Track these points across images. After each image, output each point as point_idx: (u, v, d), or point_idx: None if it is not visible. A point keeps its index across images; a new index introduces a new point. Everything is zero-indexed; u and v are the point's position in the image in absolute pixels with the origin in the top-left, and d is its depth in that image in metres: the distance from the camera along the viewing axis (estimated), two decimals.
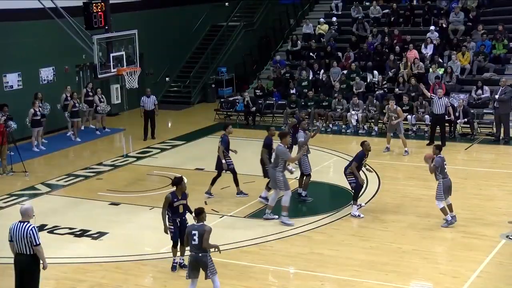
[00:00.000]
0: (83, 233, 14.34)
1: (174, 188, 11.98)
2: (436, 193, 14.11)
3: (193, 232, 10.41)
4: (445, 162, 14.20)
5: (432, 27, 26.02)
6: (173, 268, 12.21)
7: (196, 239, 10.37)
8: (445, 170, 14.16)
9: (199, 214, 10.52)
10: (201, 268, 10.51)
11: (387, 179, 17.45)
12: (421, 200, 15.87)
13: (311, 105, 23.66)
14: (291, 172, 15.78)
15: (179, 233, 11.87)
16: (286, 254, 12.99)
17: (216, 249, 10.53)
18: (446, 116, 20.72)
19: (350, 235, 13.80)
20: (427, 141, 20.79)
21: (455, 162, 19.32)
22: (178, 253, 12.23)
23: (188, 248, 10.70)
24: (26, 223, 10.14)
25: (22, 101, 21.63)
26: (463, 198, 15.96)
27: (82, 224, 14.79)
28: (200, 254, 10.42)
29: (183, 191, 11.99)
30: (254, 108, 24.55)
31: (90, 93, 23.52)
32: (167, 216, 11.93)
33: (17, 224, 10.17)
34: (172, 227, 11.92)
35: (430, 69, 24.05)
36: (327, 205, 16.18)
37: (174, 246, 12.11)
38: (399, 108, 20.46)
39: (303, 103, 23.87)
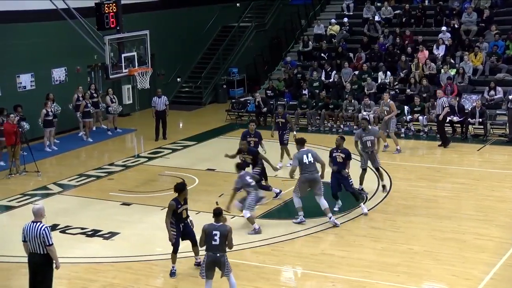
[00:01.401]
0: (94, 233, 14.39)
1: (176, 195, 11.82)
2: (247, 204, 13.87)
3: (214, 232, 10.41)
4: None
5: (444, 28, 25.93)
6: (172, 274, 12.09)
7: (218, 240, 10.39)
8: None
9: (219, 214, 10.56)
10: (217, 268, 10.55)
11: (398, 180, 17.40)
12: (432, 201, 15.82)
13: (320, 105, 23.63)
14: (275, 170, 16.23)
15: (182, 236, 11.90)
16: (297, 254, 12.99)
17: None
18: (446, 117, 20.61)
19: (361, 236, 13.77)
20: (439, 142, 20.72)
21: (468, 163, 19.29)
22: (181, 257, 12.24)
23: (202, 248, 10.66)
24: (39, 223, 10.22)
25: (35, 101, 21.74)
26: (475, 199, 15.92)
27: (94, 224, 14.85)
28: (218, 254, 10.47)
29: (185, 197, 11.91)
30: (265, 109, 24.54)
31: (95, 94, 23.59)
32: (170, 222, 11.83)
33: (30, 224, 10.26)
34: (174, 232, 11.84)
35: (442, 70, 23.96)
36: (338, 206, 16.14)
37: (174, 252, 12.02)
38: (392, 102, 20.47)
39: (314, 104, 23.86)
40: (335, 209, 15.05)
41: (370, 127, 16.29)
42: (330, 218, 14.21)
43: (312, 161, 14.12)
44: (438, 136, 20.95)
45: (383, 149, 19.64)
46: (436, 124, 21.16)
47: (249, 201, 14.02)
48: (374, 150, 16.16)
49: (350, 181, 15.02)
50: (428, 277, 11.91)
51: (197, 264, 12.24)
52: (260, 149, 16.71)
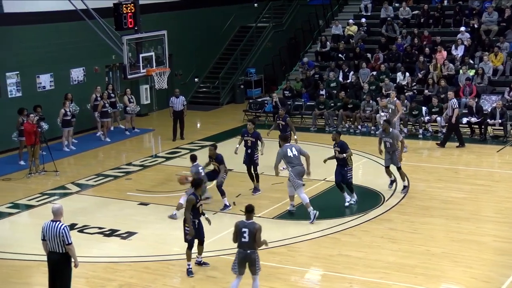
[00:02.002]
0: (112, 232, 14.45)
1: (193, 189, 12.00)
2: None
3: (243, 229, 10.53)
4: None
5: (463, 28, 25.73)
6: (189, 273, 12.13)
7: (247, 237, 10.49)
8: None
9: (251, 211, 10.68)
10: (247, 264, 10.62)
11: (417, 181, 17.30)
12: (450, 202, 15.72)
13: (339, 106, 23.58)
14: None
15: (198, 234, 11.98)
16: (314, 255, 12.96)
17: (265, 245, 10.72)
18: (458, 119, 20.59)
19: (378, 237, 13.71)
20: (457, 143, 20.59)
21: (487, 165, 19.14)
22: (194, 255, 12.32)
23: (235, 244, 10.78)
24: (58, 222, 10.31)
25: (54, 101, 21.90)
26: (494, 201, 15.80)
27: (111, 224, 14.92)
28: (248, 251, 10.56)
29: (201, 193, 12.13)
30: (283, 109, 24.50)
31: (112, 94, 23.70)
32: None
33: (50, 224, 10.34)
34: (189, 229, 11.95)
35: (460, 71, 23.80)
36: (356, 207, 16.08)
37: (190, 249, 12.10)
38: (398, 101, 20.44)
39: (332, 104, 23.81)
40: (346, 203, 15.53)
41: (391, 129, 16.27)
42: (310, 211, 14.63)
43: (296, 154, 14.72)
44: (444, 136, 20.84)
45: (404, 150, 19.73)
46: (447, 125, 20.99)
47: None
48: (396, 151, 16.11)
49: (349, 174, 15.48)
50: (446, 279, 11.83)
51: (198, 263, 12.39)
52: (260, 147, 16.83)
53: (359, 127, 23.15)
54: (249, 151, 16.67)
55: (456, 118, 20.26)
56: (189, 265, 12.15)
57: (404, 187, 16.39)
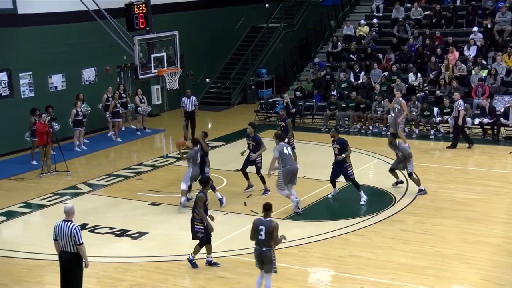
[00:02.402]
0: (123, 232, 14.48)
1: (201, 187, 12.30)
2: (184, 176, 15.58)
3: (260, 227, 10.60)
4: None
5: (475, 28, 25.61)
6: (194, 264, 12.41)
7: (263, 234, 10.56)
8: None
9: (269, 209, 10.77)
10: (263, 262, 10.70)
11: (428, 182, 17.22)
12: (462, 203, 15.65)
13: (351, 106, 23.53)
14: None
15: (205, 231, 12.15)
16: (325, 256, 12.94)
17: (284, 239, 10.83)
18: (465, 120, 20.55)
19: (389, 238, 13.66)
20: (467, 145, 20.49)
21: (499, 166, 19.05)
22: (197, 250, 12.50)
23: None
24: (70, 222, 10.36)
25: (66, 101, 21.99)
26: (507, 202, 15.71)
27: (122, 224, 14.95)
28: (264, 249, 10.63)
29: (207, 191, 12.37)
30: (294, 110, 24.46)
31: (123, 95, 23.76)
32: (192, 215, 12.28)
33: (61, 223, 10.39)
34: (202, 227, 12.12)
35: (473, 71, 23.69)
36: (367, 207, 16.05)
37: (201, 246, 12.29)
38: (403, 101, 20.49)
39: (343, 105, 23.76)
40: (329, 196, 16.10)
41: (398, 142, 16.34)
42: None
43: (290, 153, 15.10)
44: (452, 137, 20.77)
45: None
46: (453, 127, 20.92)
47: (186, 175, 15.63)
48: (404, 159, 16.20)
49: (349, 171, 15.62)
50: (457, 281, 11.77)
51: (208, 263, 12.44)
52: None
53: (370, 127, 23.09)
54: (251, 154, 16.64)
55: (462, 119, 20.18)
56: (193, 257, 12.42)
57: (420, 190, 16.25)
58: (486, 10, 26.67)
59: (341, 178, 16.06)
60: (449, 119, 21.39)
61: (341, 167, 15.62)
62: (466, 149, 20.36)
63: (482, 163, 19.29)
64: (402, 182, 16.68)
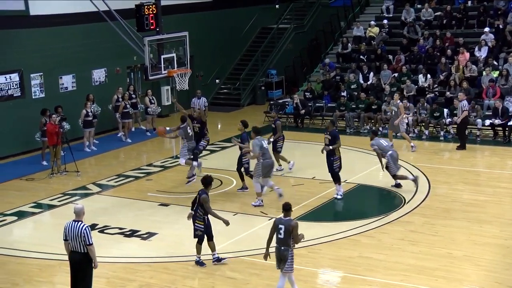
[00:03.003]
0: (132, 233, 14.52)
1: (203, 187, 12.56)
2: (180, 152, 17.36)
3: (280, 226, 10.72)
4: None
5: (487, 29, 25.48)
6: (201, 264, 12.61)
7: (282, 233, 10.66)
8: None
9: (288, 209, 10.85)
10: (281, 260, 10.78)
11: (437, 183, 17.18)
12: (472, 205, 15.58)
13: (361, 107, 23.46)
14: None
15: (207, 229, 12.46)
16: (335, 257, 12.92)
17: (303, 238, 10.91)
18: (466, 121, 20.53)
19: (399, 239, 13.63)
20: (478, 146, 20.41)
21: (510, 167, 18.97)
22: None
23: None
24: (80, 223, 10.41)
25: (76, 102, 22.07)
26: None
27: (132, 224, 14.99)
28: (282, 248, 10.72)
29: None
30: (303, 111, 24.48)
31: (133, 95, 23.81)
32: (193, 213, 12.54)
33: (71, 224, 10.44)
34: (202, 226, 12.39)
35: (484, 72, 23.58)
36: (376, 209, 16.03)
37: (200, 243, 12.56)
38: (401, 103, 20.59)
39: (353, 106, 23.71)
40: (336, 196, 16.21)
41: (373, 141, 16.87)
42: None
43: (267, 147, 15.83)
44: (459, 138, 20.73)
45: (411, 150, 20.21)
46: (456, 127, 20.93)
47: (182, 150, 17.38)
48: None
49: (335, 164, 15.89)
50: (468, 283, 11.71)
51: (216, 260, 12.59)
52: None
53: (380, 128, 23.02)
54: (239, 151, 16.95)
55: (462, 119, 20.19)
56: (199, 257, 12.59)
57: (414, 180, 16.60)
58: (498, 10, 26.52)
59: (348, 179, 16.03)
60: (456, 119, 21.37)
61: (328, 159, 15.90)
62: (476, 151, 20.29)
63: (493, 164, 19.20)
64: (399, 185, 16.72)
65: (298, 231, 10.70)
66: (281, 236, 10.66)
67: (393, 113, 20.37)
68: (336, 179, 16.01)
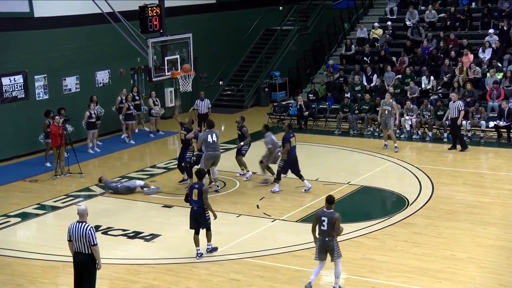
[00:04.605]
0: (136, 234, 14.52)
1: (197, 180, 13.15)
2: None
3: (323, 218, 11.10)
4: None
5: (491, 30, 25.43)
6: (200, 255, 13.09)
7: (325, 225, 11.06)
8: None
9: (332, 202, 11.21)
10: (327, 251, 11.10)
11: (441, 185, 17.15)
12: (476, 207, 15.55)
13: (364, 109, 23.41)
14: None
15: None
16: None
17: (343, 231, 11.34)
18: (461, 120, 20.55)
19: (402, 241, 13.61)
20: (483, 147, 20.37)
21: None
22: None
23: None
24: (84, 223, 10.43)
25: (79, 103, 22.09)
26: None
27: (135, 226, 14.99)
28: (326, 239, 11.09)
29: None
30: (307, 112, 24.46)
31: (137, 97, 23.83)
32: (200, 207, 12.97)
33: (76, 224, 10.46)
34: (209, 215, 13.04)
35: (488, 74, 23.54)
36: (380, 210, 16.02)
37: (197, 234, 13.01)
38: (394, 103, 20.76)
39: (356, 108, 23.66)
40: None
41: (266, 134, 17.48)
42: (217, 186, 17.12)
43: (215, 140, 16.58)
44: (458, 139, 20.60)
45: (383, 147, 20.58)
46: (449, 127, 20.97)
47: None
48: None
49: (281, 163, 16.72)
50: (472, 285, 11.66)
51: (210, 250, 13.03)
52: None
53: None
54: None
55: (453, 119, 20.31)
56: (198, 249, 12.99)
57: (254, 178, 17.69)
58: (502, 12, 26.45)
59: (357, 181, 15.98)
60: (467, 121, 21.29)
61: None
62: (480, 152, 20.26)
63: (497, 166, 19.17)
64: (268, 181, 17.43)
65: (340, 223, 11.04)
66: (324, 228, 11.04)
67: (387, 112, 20.44)
68: (279, 178, 16.80)
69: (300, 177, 16.69)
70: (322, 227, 11.07)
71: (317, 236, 11.25)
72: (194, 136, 17.45)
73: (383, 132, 21.14)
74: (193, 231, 12.98)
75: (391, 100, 20.65)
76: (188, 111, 26.36)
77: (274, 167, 17.22)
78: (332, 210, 11.13)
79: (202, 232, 13.01)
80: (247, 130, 18.43)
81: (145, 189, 17.32)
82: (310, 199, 16.17)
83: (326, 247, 11.14)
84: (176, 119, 18.58)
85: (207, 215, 12.91)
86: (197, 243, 12.96)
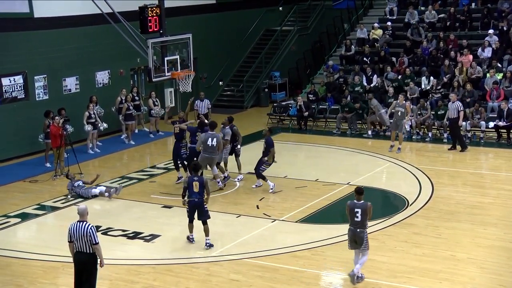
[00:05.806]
0: (136, 235, 14.51)
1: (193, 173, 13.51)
2: None
3: (356, 209, 11.48)
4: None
5: (491, 31, 25.43)
6: (192, 240, 13.67)
7: (359, 216, 11.44)
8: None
9: (361, 193, 11.59)
10: (357, 242, 11.50)
11: (441, 185, 17.15)
12: (476, 207, 15.54)
13: (366, 109, 23.38)
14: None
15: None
16: (338, 259, 12.89)
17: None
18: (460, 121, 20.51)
19: (402, 242, 13.60)
20: (483, 148, 20.36)
21: None
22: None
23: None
24: (85, 223, 10.45)
25: (79, 104, 22.08)
26: None
27: (135, 226, 14.98)
28: (358, 230, 11.49)
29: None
30: (307, 113, 24.46)
31: (137, 97, 23.83)
32: (200, 199, 13.36)
33: (76, 224, 10.48)
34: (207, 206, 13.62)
35: (488, 74, 23.54)
36: (380, 211, 15.99)
37: (191, 222, 13.56)
38: (407, 103, 20.46)
39: (356, 108, 23.64)
40: (253, 186, 17.24)
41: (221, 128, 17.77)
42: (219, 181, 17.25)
43: (214, 145, 16.55)
44: (457, 140, 20.58)
45: (389, 149, 20.37)
46: (448, 127, 20.95)
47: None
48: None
49: (262, 166, 16.99)
50: (473, 286, 11.66)
51: (209, 245, 13.31)
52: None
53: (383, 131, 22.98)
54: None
55: (453, 120, 20.27)
56: (192, 235, 13.61)
57: (225, 177, 17.64)
58: (502, 12, 26.46)
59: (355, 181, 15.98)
60: (466, 122, 21.26)
61: (259, 161, 17.06)
62: (480, 153, 20.26)
63: (497, 166, 19.17)
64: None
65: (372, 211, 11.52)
66: (358, 219, 11.38)
67: (399, 114, 20.23)
68: (263, 177, 17.08)
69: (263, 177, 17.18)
70: (355, 219, 11.40)
71: (349, 226, 11.56)
72: (186, 127, 17.65)
73: (391, 133, 20.88)
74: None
75: (404, 102, 20.43)
76: (187, 111, 26.44)
77: (274, 168, 17.21)
78: (363, 201, 11.45)
79: (197, 222, 13.44)
80: (237, 129, 18.44)
81: (106, 193, 17.03)
82: (310, 199, 16.16)
83: (356, 238, 11.47)
84: (167, 122, 18.94)
85: (205, 206, 13.33)
86: (191, 229, 13.55)
